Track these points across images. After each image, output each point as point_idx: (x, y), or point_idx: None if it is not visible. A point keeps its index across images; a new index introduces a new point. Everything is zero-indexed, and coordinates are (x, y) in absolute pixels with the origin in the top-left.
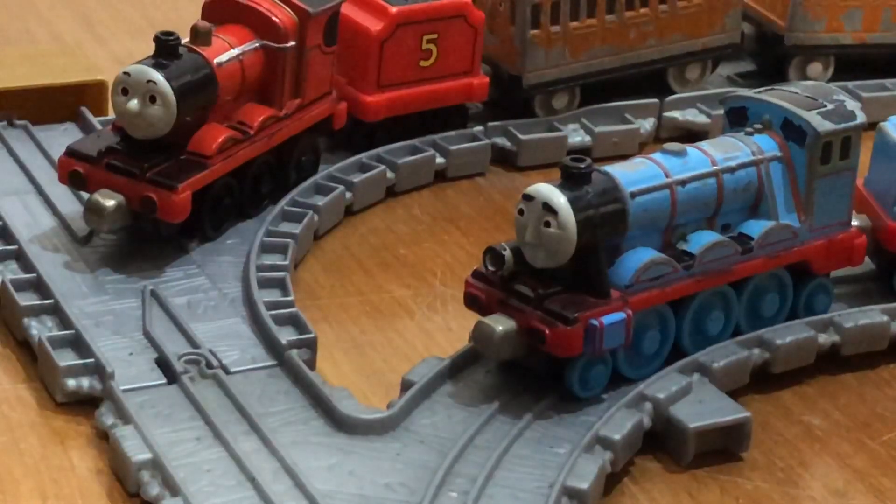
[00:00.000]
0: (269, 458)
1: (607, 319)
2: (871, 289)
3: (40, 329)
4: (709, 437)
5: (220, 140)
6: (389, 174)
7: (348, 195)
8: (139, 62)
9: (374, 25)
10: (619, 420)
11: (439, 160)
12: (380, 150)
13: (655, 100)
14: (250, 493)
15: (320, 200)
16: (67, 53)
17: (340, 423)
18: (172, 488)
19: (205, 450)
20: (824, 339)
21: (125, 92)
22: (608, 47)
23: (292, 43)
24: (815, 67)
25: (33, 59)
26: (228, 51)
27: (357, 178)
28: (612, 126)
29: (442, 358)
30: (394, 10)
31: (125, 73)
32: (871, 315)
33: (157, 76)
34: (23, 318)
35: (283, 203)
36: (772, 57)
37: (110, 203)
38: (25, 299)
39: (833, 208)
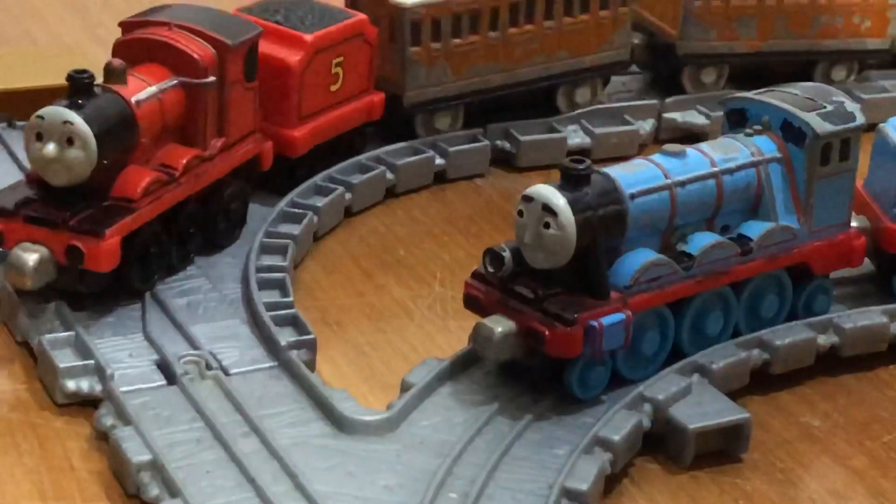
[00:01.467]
0: (269, 460)
1: (607, 320)
2: (871, 290)
3: (40, 330)
4: (708, 438)
5: (144, 183)
6: (389, 175)
7: (348, 196)
8: (52, 104)
9: (291, 56)
10: (618, 421)
11: (439, 161)
12: (379, 151)
13: (655, 101)
14: (250, 495)
15: (320, 201)
16: (67, 54)
17: (340, 424)
18: (172, 489)
19: (204, 451)
20: (824, 340)
21: (39, 137)
22: (492, 65)
23: (212, 78)
24: (708, 75)
25: (33, 60)
26: (146, 88)
27: (356, 179)
28: (611, 127)
29: (441, 359)
30: (309, 38)
31: (38, 116)
32: (871, 316)
33: (74, 116)
34: (23, 319)
35: (282, 204)
36: (664, 67)
37: (33, 257)
38: (25, 300)
39: (832, 209)
